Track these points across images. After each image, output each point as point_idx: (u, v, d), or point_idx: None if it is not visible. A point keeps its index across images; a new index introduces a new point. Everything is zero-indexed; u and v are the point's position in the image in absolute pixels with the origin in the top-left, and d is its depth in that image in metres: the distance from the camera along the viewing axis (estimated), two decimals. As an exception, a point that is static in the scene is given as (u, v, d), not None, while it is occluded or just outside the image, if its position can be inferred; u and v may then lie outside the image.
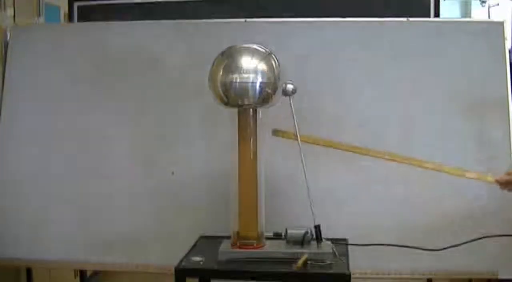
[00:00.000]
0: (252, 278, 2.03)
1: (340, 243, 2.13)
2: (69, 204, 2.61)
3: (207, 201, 2.54)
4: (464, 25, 2.70)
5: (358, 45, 2.58)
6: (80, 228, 2.59)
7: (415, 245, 2.13)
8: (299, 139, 2.02)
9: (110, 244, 2.56)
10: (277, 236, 2.11)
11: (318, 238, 2.02)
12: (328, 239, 2.05)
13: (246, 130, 2.09)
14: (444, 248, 2.12)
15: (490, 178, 1.99)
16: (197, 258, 2.07)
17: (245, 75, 2.00)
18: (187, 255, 2.11)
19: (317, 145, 2.11)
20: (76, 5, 3.32)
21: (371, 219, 2.40)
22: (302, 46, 2.57)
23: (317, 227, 2.03)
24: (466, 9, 6.99)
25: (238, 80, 2.00)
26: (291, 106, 1.99)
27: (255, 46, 2.08)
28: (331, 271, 1.96)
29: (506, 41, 2.54)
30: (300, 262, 1.95)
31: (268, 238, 2.12)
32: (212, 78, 2.06)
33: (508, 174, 1.96)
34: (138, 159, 2.63)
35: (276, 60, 2.07)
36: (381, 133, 2.48)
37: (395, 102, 2.51)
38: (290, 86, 2.03)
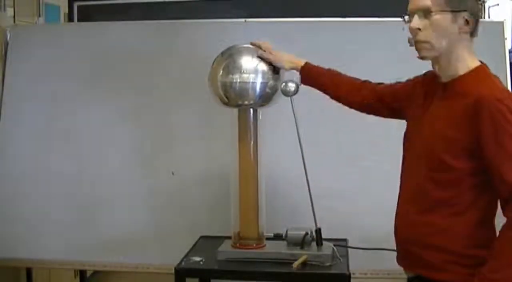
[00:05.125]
0: (252, 278, 2.03)
1: (340, 245, 2.12)
2: (69, 204, 2.61)
3: (207, 201, 2.54)
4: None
5: (358, 45, 2.57)
6: (80, 228, 2.59)
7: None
8: (300, 139, 2.01)
9: (110, 244, 2.55)
10: (277, 237, 2.11)
11: (318, 241, 2.02)
12: (327, 239, 2.05)
13: (246, 130, 2.09)
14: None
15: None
16: (197, 258, 2.07)
17: (245, 75, 2.00)
18: (187, 255, 2.12)
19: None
20: (76, 5, 3.32)
21: (372, 219, 2.40)
22: (302, 46, 2.57)
23: (318, 231, 2.02)
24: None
25: (238, 80, 2.00)
26: (292, 106, 1.98)
27: (255, 46, 2.08)
28: (330, 272, 1.96)
29: (506, 41, 2.54)
30: (298, 262, 1.95)
31: (269, 239, 2.12)
32: (212, 78, 2.06)
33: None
34: (138, 159, 2.63)
35: (276, 60, 2.07)
36: (381, 133, 2.48)
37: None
38: (291, 86, 1.99)
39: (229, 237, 2.15)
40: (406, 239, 1.64)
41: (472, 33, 1.56)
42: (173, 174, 2.59)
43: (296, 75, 2.05)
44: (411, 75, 1.83)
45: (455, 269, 1.54)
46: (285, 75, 2.08)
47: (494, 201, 1.54)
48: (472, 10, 1.53)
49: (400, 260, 1.71)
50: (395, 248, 1.73)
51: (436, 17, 1.52)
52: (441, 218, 1.54)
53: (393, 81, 1.90)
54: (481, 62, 1.59)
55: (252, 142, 2.09)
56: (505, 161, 1.44)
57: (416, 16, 1.55)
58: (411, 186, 1.64)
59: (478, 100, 1.46)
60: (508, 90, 1.53)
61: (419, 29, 1.55)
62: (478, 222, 1.53)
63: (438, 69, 1.60)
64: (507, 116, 1.44)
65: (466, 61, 1.56)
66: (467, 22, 1.53)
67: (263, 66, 2.02)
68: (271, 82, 2.03)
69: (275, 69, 2.04)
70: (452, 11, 1.51)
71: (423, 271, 1.59)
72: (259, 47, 2.04)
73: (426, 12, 1.53)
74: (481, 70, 1.56)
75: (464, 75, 1.55)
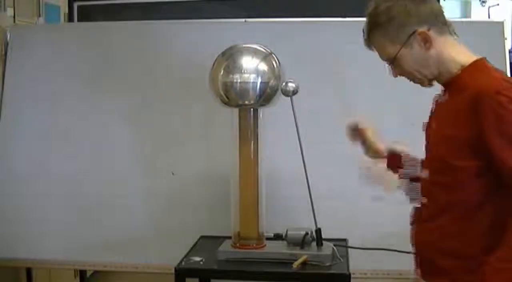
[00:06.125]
0: (252, 278, 2.04)
1: (340, 245, 2.12)
2: (69, 204, 2.61)
3: (207, 201, 2.54)
4: (464, 25, 2.70)
5: (358, 45, 2.56)
6: (80, 228, 2.59)
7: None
8: (300, 139, 2.01)
9: (110, 244, 2.55)
10: (277, 237, 2.11)
11: (319, 241, 2.02)
12: (327, 239, 2.05)
13: (246, 130, 2.09)
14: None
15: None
16: (197, 258, 2.07)
17: (246, 76, 2.00)
18: (187, 255, 2.12)
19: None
20: (76, 5, 3.32)
21: (372, 219, 2.40)
22: (302, 46, 2.57)
23: (318, 231, 2.02)
24: (466, 9, 6.99)
25: (238, 80, 2.00)
26: (292, 106, 1.98)
27: (255, 46, 2.09)
28: (330, 272, 1.96)
29: (506, 41, 2.54)
30: (298, 262, 1.95)
31: (269, 239, 2.12)
32: (212, 78, 2.06)
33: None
34: (138, 159, 2.63)
35: (276, 60, 2.07)
36: (381, 133, 2.48)
37: (395, 102, 2.51)
38: (291, 86, 1.99)
39: (229, 237, 2.15)
40: (420, 245, 1.60)
41: (444, 33, 1.53)
42: (173, 174, 2.59)
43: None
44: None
45: (470, 278, 1.46)
46: (285, 75, 2.08)
47: (508, 202, 1.45)
48: (420, 22, 1.50)
49: (416, 269, 1.67)
50: (395, 248, 1.73)
51: (400, 58, 1.55)
52: (450, 221, 1.50)
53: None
54: (480, 58, 1.56)
55: (252, 142, 2.09)
56: (511, 152, 1.39)
57: (389, 67, 1.60)
58: (422, 192, 1.63)
59: (477, 94, 1.42)
60: (509, 80, 1.48)
61: (400, 75, 1.59)
62: (492, 225, 1.46)
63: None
64: (509, 107, 1.39)
65: (456, 60, 1.53)
66: (424, 38, 1.50)
67: (263, 66, 2.03)
68: (271, 82, 2.03)
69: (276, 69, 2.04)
70: (404, 44, 1.52)
71: (437, 279, 1.54)
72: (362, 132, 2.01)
73: (392, 60, 1.57)
74: (479, 64, 1.52)
75: (459, 72, 1.52)
